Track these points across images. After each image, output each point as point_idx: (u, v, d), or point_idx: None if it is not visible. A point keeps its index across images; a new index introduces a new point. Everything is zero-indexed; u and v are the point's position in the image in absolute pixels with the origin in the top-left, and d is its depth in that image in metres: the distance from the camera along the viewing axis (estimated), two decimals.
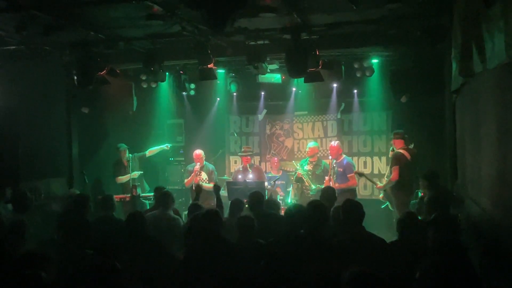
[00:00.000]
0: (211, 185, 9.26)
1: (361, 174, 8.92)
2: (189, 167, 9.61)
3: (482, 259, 4.34)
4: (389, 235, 5.65)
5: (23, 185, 8.02)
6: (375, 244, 4.72)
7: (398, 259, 4.52)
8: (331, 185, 8.47)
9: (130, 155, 9.80)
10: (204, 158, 9.49)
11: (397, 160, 8.34)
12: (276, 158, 10.25)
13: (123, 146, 9.82)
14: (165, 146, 10.41)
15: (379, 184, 8.75)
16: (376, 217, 8.66)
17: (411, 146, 8.60)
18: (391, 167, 8.43)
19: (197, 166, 9.31)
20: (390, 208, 8.60)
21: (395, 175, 8.24)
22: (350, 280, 3.21)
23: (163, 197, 6.62)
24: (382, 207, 8.84)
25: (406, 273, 4.27)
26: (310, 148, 9.35)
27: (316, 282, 4.20)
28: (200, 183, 9.17)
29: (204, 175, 9.38)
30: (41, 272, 3.59)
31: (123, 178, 9.67)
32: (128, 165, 9.67)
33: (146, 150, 10.23)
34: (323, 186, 8.64)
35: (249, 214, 5.49)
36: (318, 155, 9.53)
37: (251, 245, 4.88)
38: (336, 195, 8.31)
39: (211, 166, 9.58)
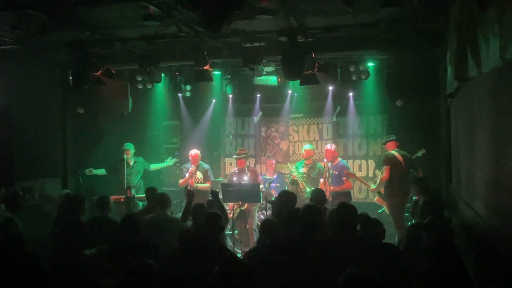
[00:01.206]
0: (207, 184, 9.28)
1: (351, 175, 8.87)
2: (184, 167, 9.56)
3: (476, 262, 4.35)
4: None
5: (17, 185, 8.01)
6: (369, 247, 4.72)
7: (392, 261, 4.52)
8: (326, 188, 8.49)
9: (133, 158, 9.79)
10: (200, 158, 9.46)
11: (387, 160, 8.45)
12: (272, 160, 10.23)
13: (130, 146, 9.83)
14: (170, 160, 10.23)
15: (372, 186, 8.78)
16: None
17: (423, 151, 8.65)
18: (381, 168, 8.50)
19: (192, 168, 9.26)
20: (387, 211, 8.62)
21: (385, 175, 8.32)
22: (346, 281, 3.21)
23: (160, 198, 6.63)
24: (379, 211, 8.84)
25: (400, 276, 4.28)
26: (305, 151, 9.37)
27: (311, 285, 4.19)
28: (195, 184, 9.17)
29: (199, 175, 9.34)
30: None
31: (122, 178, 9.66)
32: (131, 165, 9.67)
33: (152, 165, 10.19)
34: None
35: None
36: (314, 157, 9.54)
37: None
38: (331, 198, 8.39)
39: (206, 166, 9.54)
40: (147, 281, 3.62)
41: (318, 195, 6.72)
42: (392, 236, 7.74)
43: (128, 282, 3.63)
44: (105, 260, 4.96)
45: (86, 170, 9.68)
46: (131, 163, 9.72)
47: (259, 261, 4.28)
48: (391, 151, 8.54)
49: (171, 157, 10.41)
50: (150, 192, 7.35)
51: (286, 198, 6.21)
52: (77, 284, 4.09)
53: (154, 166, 10.27)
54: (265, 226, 5.33)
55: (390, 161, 8.40)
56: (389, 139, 8.79)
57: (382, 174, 8.41)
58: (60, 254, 5.28)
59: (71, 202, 6.38)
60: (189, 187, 9.17)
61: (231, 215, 8.20)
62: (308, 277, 4.16)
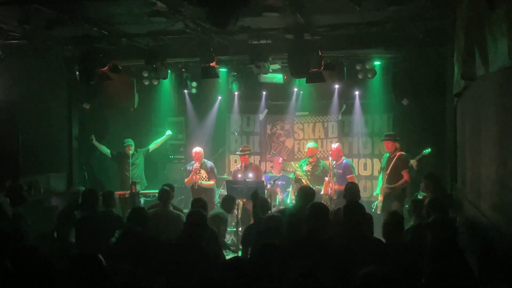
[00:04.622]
0: (211, 182, 9.28)
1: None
2: (188, 166, 9.56)
3: (480, 262, 4.34)
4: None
5: (22, 179, 8.04)
6: (374, 246, 4.71)
7: (396, 261, 4.51)
8: (330, 186, 8.47)
9: (133, 151, 9.84)
10: (203, 155, 9.46)
11: (407, 163, 8.45)
12: (279, 158, 10.17)
13: (131, 141, 9.88)
14: (167, 133, 10.41)
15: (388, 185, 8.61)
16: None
17: (428, 151, 8.67)
18: (399, 170, 8.42)
19: (196, 165, 9.25)
20: (378, 212, 8.61)
21: (409, 179, 8.37)
22: (363, 279, 3.18)
23: (162, 194, 6.67)
24: (373, 210, 8.81)
25: (405, 275, 4.27)
26: (309, 149, 9.37)
27: (316, 284, 4.19)
28: (200, 181, 9.17)
29: (203, 173, 9.34)
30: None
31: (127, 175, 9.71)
32: (131, 158, 9.71)
33: (150, 145, 10.24)
34: (322, 187, 8.65)
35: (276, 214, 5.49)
36: (318, 155, 9.52)
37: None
38: (336, 196, 8.37)
39: (209, 163, 9.54)
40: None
41: (306, 193, 6.58)
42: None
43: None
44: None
45: (90, 137, 9.92)
46: (130, 157, 9.76)
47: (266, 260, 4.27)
48: (403, 153, 8.57)
49: (168, 130, 10.44)
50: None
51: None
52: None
53: (153, 145, 10.29)
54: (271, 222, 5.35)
55: (408, 163, 8.47)
56: (392, 138, 8.75)
57: (405, 178, 8.38)
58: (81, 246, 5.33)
59: (89, 196, 6.41)
60: (195, 186, 9.18)
61: (236, 213, 8.19)
62: (314, 275, 4.16)
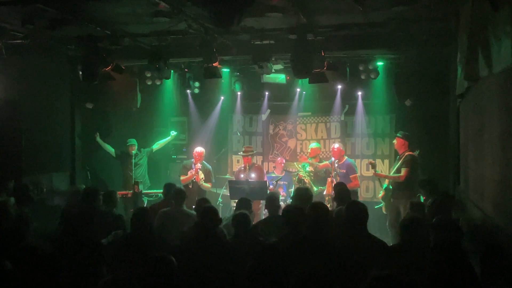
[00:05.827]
0: (208, 185, 9.19)
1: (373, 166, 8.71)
2: (186, 164, 9.41)
3: (482, 262, 4.32)
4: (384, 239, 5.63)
5: (25, 178, 8.06)
6: (376, 247, 4.71)
7: (398, 262, 4.50)
8: (333, 186, 8.45)
9: (137, 151, 9.84)
10: (204, 157, 9.38)
11: (411, 162, 8.25)
12: (282, 159, 10.15)
13: (134, 141, 9.89)
14: (172, 133, 10.47)
15: (380, 172, 8.53)
16: (371, 219, 8.66)
17: (416, 152, 8.58)
18: (400, 167, 8.33)
19: (198, 165, 9.13)
20: (384, 211, 8.59)
21: (403, 176, 8.17)
22: (373, 282, 3.17)
23: (176, 194, 6.69)
24: (376, 207, 8.78)
25: (407, 276, 4.27)
26: (312, 149, 9.38)
27: (318, 284, 4.19)
28: (201, 182, 9.14)
29: (201, 174, 9.12)
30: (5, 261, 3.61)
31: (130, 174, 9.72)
32: (134, 159, 9.71)
33: (153, 145, 10.26)
34: (325, 188, 8.65)
35: (244, 211, 5.44)
36: (321, 156, 9.51)
37: (248, 241, 4.88)
38: None
39: (208, 166, 9.36)
40: (167, 275, 3.70)
41: (302, 194, 6.55)
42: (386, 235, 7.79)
43: (148, 273, 3.68)
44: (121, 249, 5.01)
45: (95, 135, 10.02)
46: (134, 157, 9.76)
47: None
48: (414, 153, 8.41)
49: (172, 131, 10.50)
50: (167, 187, 7.35)
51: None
52: (95, 271, 4.09)
53: (156, 146, 10.33)
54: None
55: (413, 164, 8.23)
56: (404, 136, 8.64)
57: (401, 174, 8.24)
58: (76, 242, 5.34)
59: (88, 194, 6.41)
60: (190, 186, 9.10)
61: None
62: (316, 275, 4.15)
